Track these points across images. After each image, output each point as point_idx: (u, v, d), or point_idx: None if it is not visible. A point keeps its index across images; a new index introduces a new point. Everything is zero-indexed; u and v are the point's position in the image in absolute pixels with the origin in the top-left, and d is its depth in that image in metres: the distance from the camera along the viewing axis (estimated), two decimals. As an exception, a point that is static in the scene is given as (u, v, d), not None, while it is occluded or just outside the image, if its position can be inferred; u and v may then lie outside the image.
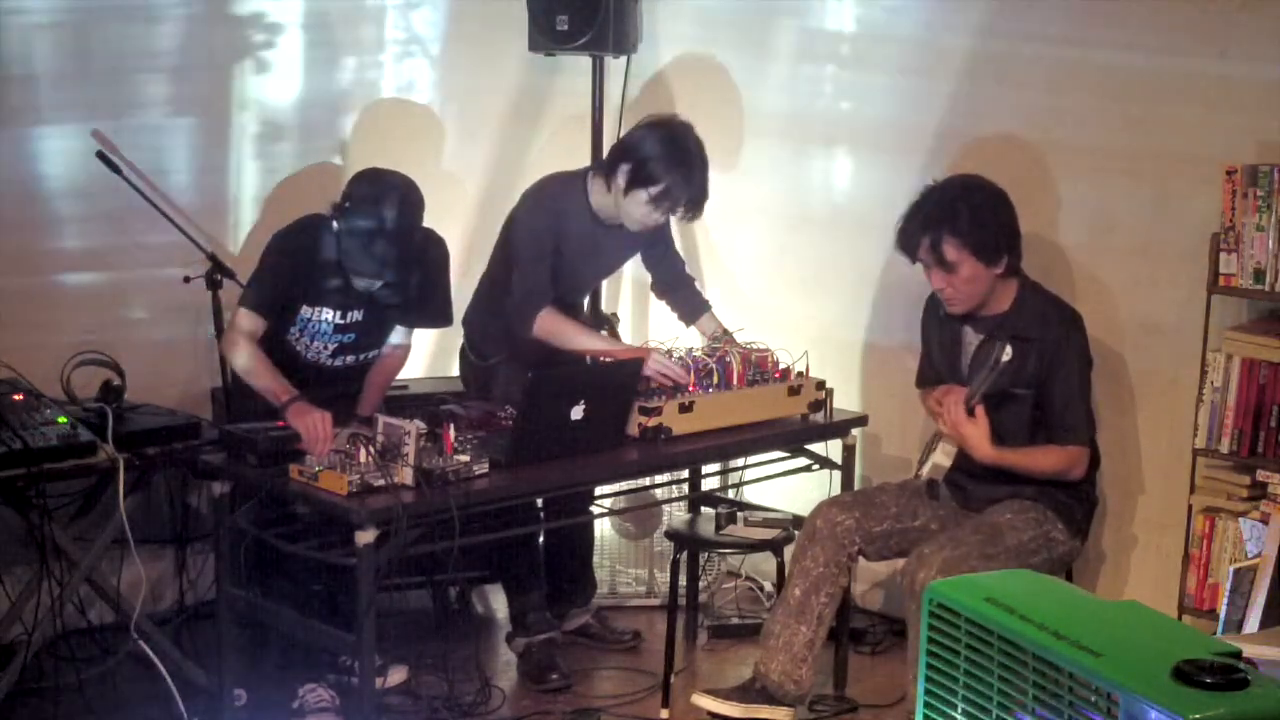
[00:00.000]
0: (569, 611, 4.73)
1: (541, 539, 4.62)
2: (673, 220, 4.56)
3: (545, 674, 4.44)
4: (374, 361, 4.33)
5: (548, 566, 4.64)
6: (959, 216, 3.98)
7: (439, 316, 4.40)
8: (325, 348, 4.19)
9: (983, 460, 4.02)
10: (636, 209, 4.27)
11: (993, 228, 4.01)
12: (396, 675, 4.31)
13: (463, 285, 4.96)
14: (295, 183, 4.98)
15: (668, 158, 4.22)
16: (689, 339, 4.60)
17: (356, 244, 4.01)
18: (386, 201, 4.02)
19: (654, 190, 4.22)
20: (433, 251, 4.24)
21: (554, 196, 4.39)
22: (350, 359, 4.26)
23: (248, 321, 4.04)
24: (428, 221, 4.17)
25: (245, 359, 4.00)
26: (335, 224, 4.05)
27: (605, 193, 4.34)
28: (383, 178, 4.10)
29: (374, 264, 4.03)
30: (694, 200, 4.28)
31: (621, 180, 4.25)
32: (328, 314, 4.14)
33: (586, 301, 4.90)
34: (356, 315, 4.18)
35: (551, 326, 4.29)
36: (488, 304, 4.51)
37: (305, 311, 4.12)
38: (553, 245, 4.34)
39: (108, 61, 4.64)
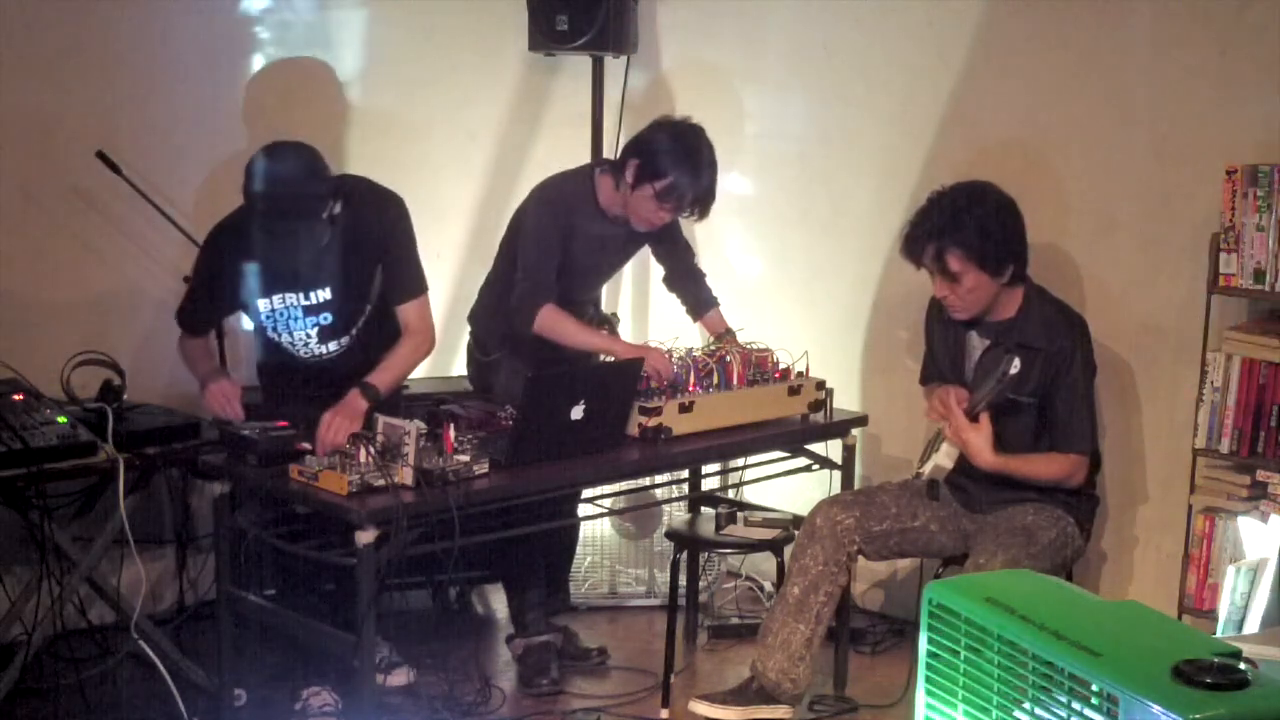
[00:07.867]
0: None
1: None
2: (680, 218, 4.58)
3: (536, 678, 4.43)
4: (366, 339, 4.10)
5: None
6: (964, 227, 3.94)
7: (414, 280, 4.07)
8: (308, 335, 4.04)
9: (984, 467, 4.01)
10: (643, 205, 4.26)
11: (998, 239, 3.97)
12: (398, 677, 4.30)
13: (463, 283, 4.97)
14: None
15: (676, 153, 4.21)
16: (689, 339, 4.60)
17: (257, 239, 3.82)
18: (258, 176, 3.76)
19: (660, 185, 4.20)
20: (380, 213, 3.99)
21: (564, 193, 4.38)
22: (344, 340, 4.08)
23: (184, 339, 4.09)
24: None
25: (186, 358, 4.07)
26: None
27: (613, 190, 4.33)
28: (261, 153, 3.81)
29: (282, 254, 3.83)
30: (700, 198, 4.26)
31: (630, 175, 4.25)
32: (291, 298, 3.99)
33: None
34: (323, 294, 3.99)
35: (553, 323, 4.27)
36: (492, 299, 4.50)
37: (264, 306, 3.98)
38: (561, 242, 4.33)
39: (107, 61, 4.65)
